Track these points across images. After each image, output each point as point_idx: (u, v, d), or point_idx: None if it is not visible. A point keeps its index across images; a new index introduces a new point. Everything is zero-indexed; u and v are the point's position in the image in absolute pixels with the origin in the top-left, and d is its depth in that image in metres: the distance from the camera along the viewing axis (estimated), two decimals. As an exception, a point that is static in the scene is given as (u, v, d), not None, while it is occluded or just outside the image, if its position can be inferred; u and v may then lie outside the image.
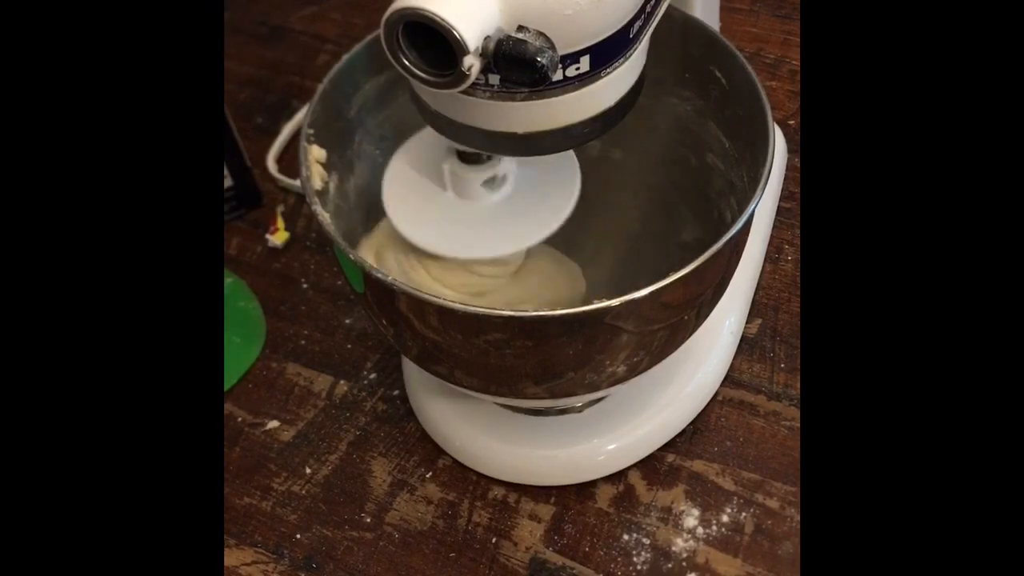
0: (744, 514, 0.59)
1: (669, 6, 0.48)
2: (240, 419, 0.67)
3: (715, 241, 0.47)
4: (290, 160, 0.83)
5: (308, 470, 0.64)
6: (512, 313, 0.46)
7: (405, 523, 0.61)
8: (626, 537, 0.59)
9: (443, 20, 0.39)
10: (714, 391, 0.64)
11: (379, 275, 0.47)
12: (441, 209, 0.54)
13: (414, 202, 0.54)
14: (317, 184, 0.54)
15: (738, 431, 0.62)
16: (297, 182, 0.78)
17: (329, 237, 0.50)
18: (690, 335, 0.55)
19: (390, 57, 0.42)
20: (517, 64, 0.41)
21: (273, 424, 0.66)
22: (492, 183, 0.54)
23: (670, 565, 0.57)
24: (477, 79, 0.42)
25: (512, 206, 0.54)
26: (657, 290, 0.46)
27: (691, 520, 0.59)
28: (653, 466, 0.61)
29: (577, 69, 0.43)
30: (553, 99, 0.44)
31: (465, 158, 0.53)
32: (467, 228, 0.54)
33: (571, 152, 0.54)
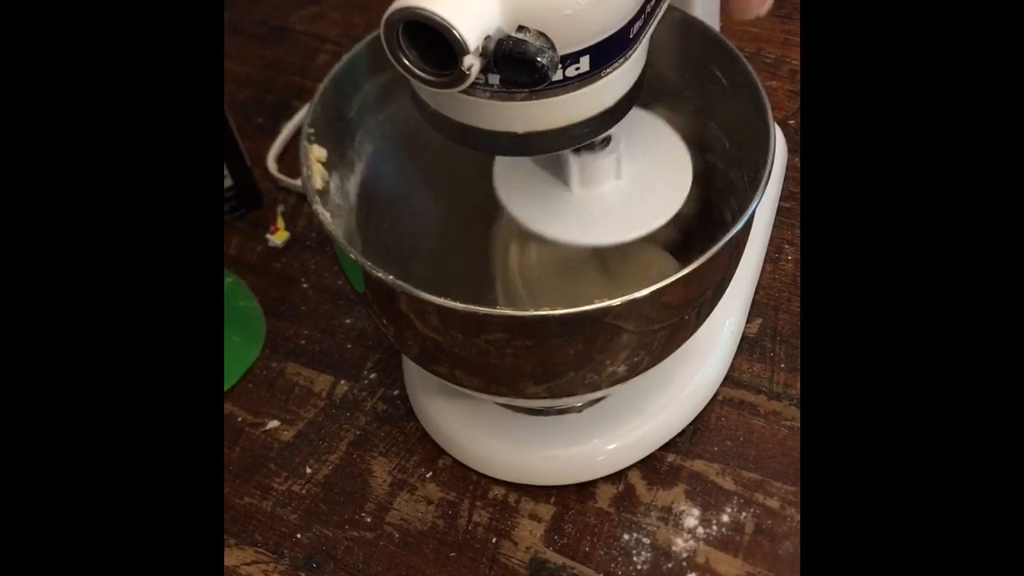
0: (744, 514, 0.59)
1: (669, 6, 0.48)
2: (240, 419, 0.67)
3: (715, 241, 0.47)
4: (290, 160, 0.83)
5: (308, 470, 0.64)
6: (512, 313, 0.47)
7: (405, 523, 0.61)
8: (626, 537, 0.59)
9: (443, 20, 0.39)
10: (714, 391, 0.64)
11: (380, 274, 0.47)
12: (562, 199, 0.54)
13: (534, 196, 0.54)
14: (318, 183, 0.54)
15: (738, 431, 0.63)
16: (297, 182, 0.78)
17: (330, 236, 0.50)
18: (691, 335, 0.55)
19: (390, 57, 0.42)
20: (517, 64, 0.41)
21: (273, 424, 0.66)
22: (618, 167, 0.53)
23: (670, 565, 0.57)
24: (477, 79, 0.42)
25: (631, 191, 0.54)
26: (658, 290, 0.46)
27: (691, 520, 0.59)
28: (653, 466, 0.61)
29: (577, 69, 0.43)
30: (553, 99, 0.44)
31: (590, 146, 0.52)
32: (593, 215, 0.53)
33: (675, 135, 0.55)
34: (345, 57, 0.56)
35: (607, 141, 0.52)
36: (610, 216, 0.53)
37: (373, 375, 0.68)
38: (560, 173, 0.54)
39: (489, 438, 0.62)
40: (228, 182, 0.76)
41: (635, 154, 0.54)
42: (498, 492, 0.61)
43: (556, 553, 0.58)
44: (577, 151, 0.52)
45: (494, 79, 0.43)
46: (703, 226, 0.62)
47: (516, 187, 0.54)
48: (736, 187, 0.57)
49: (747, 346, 0.66)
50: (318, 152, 0.54)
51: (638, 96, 0.48)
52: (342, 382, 0.68)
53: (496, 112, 0.45)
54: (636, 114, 0.50)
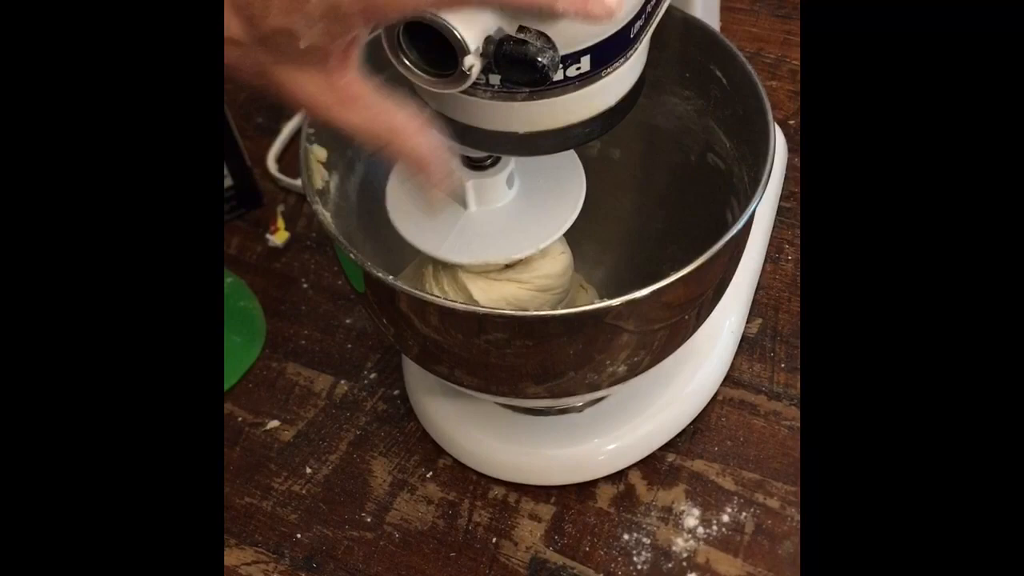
0: (744, 514, 0.59)
1: (669, 6, 0.48)
2: (240, 419, 0.67)
3: (715, 241, 0.47)
4: (290, 160, 0.83)
5: (308, 470, 0.64)
6: (513, 313, 0.47)
7: (405, 523, 0.61)
8: (626, 537, 0.59)
9: (444, 20, 0.39)
10: (714, 391, 0.64)
11: (379, 274, 0.47)
12: (454, 219, 0.53)
13: (424, 216, 0.53)
14: (318, 183, 0.54)
15: (738, 431, 0.63)
16: (297, 181, 0.78)
17: (330, 236, 0.50)
18: (691, 335, 0.55)
19: (391, 57, 0.42)
20: (518, 64, 0.40)
21: (273, 424, 0.66)
22: (511, 180, 0.53)
23: (670, 565, 0.57)
24: (478, 79, 0.42)
25: (524, 206, 0.53)
26: (658, 290, 0.46)
27: (691, 520, 0.59)
28: (653, 466, 0.61)
29: (578, 69, 0.43)
30: (554, 99, 0.44)
31: (475, 164, 0.52)
32: (484, 233, 0.53)
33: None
34: (345, 57, 0.56)
35: (498, 159, 0.52)
36: (508, 233, 0.53)
37: (373, 375, 0.68)
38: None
39: (489, 438, 0.62)
40: (228, 182, 0.76)
41: (528, 170, 0.54)
42: (498, 492, 0.61)
43: (556, 553, 0.58)
44: (472, 171, 0.52)
45: (495, 79, 0.43)
46: (703, 226, 0.62)
47: (410, 213, 0.53)
48: (736, 187, 0.57)
49: (747, 346, 0.66)
50: (318, 152, 0.54)
51: (639, 96, 0.48)
52: (342, 382, 0.68)
53: (497, 112, 0.45)
54: None
